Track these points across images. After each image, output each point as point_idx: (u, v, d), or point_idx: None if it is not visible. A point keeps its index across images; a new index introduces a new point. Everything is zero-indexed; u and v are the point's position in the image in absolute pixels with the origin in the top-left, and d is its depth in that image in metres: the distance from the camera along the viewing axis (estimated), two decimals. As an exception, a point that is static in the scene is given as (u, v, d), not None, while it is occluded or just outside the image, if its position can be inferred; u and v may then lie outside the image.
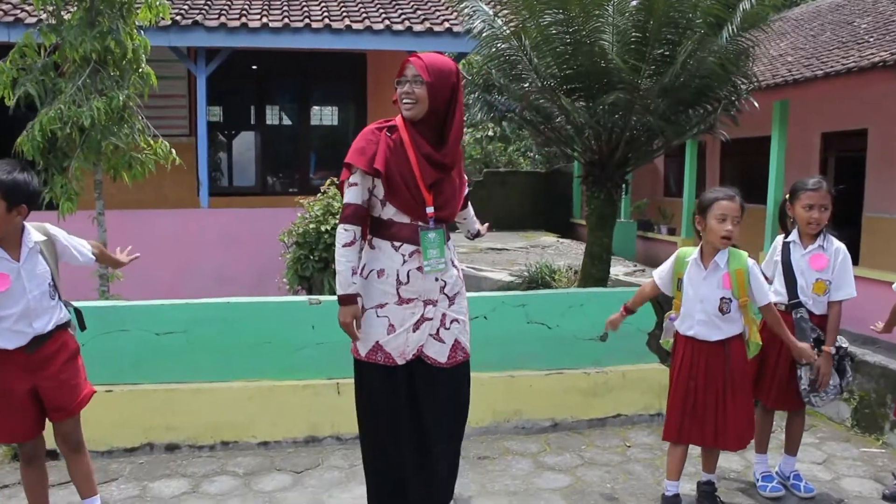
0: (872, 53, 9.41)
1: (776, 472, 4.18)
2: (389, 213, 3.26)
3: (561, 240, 16.29)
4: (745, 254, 3.65)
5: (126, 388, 4.68)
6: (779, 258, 4.00)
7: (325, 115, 12.46)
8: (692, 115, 6.44)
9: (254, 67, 11.50)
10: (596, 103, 6.03)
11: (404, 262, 3.25)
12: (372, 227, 3.35)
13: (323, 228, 6.49)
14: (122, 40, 6.54)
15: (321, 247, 6.46)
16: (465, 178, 3.56)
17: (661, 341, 3.99)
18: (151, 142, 6.99)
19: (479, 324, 4.93)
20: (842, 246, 3.96)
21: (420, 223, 3.26)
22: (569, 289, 5.78)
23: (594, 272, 6.59)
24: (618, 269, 11.36)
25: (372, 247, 3.33)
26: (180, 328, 4.73)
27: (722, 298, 3.58)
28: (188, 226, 9.28)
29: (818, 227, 3.88)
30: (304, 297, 4.89)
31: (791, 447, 4.15)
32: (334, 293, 3.43)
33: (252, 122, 12.05)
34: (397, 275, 3.25)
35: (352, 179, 3.24)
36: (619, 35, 5.90)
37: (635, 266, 12.76)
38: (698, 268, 3.62)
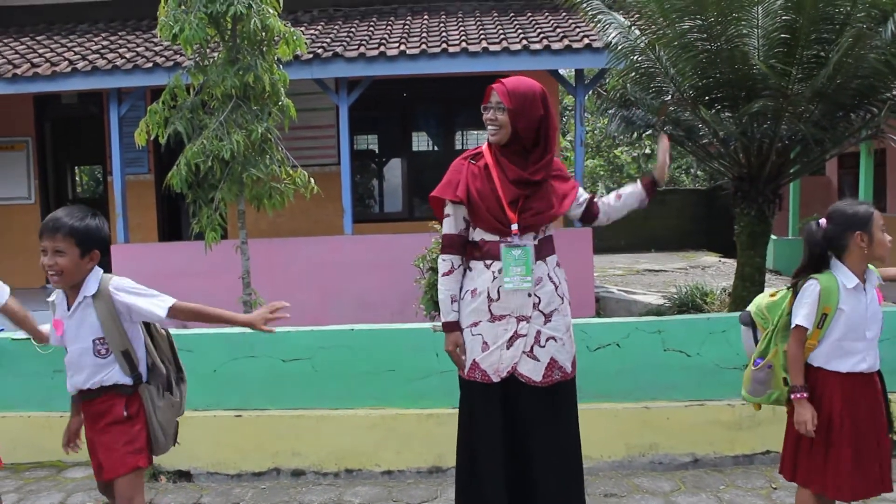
0: None
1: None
2: (480, 234, 3.29)
3: (723, 260, 15.51)
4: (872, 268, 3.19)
5: (255, 413, 4.74)
6: None
7: (469, 139, 12.45)
8: (854, 120, 5.86)
9: (404, 95, 11.68)
10: (740, 113, 5.60)
11: (494, 278, 3.23)
12: (469, 251, 3.36)
13: (455, 252, 6.39)
14: (261, 75, 6.76)
15: (454, 271, 6.36)
16: (572, 181, 3.45)
17: (753, 397, 3.37)
18: (291, 172, 7.17)
19: (612, 351, 4.66)
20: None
21: (504, 240, 3.22)
22: (710, 314, 5.35)
23: (746, 295, 6.10)
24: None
25: (469, 269, 3.35)
26: (306, 355, 4.74)
27: (881, 318, 3.14)
28: (331, 252, 9.47)
29: None
30: (427, 324, 4.79)
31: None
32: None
33: (399, 148, 12.23)
34: (488, 292, 3.24)
35: (446, 211, 3.34)
36: (764, 37, 5.47)
37: (803, 286, 11.85)
38: (859, 293, 3.12)
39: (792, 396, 3.10)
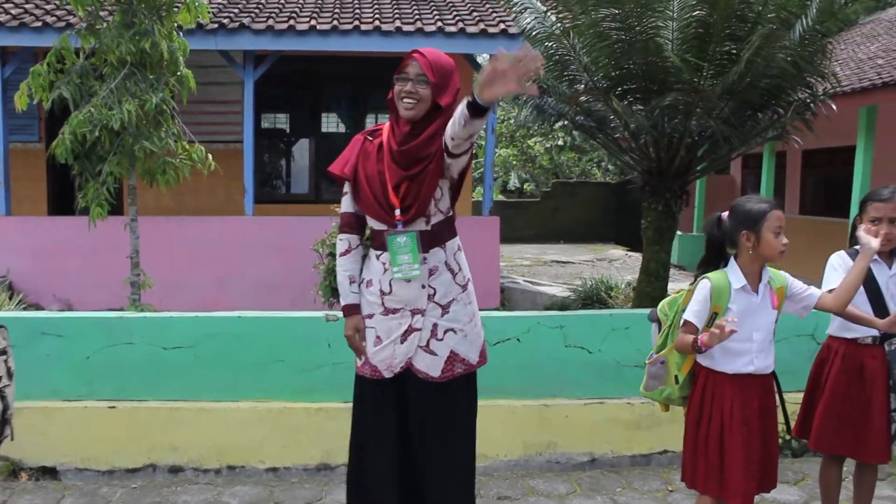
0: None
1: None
2: (370, 221, 3.09)
3: (630, 253, 15.69)
4: (779, 272, 3.10)
5: (131, 404, 4.38)
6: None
7: (381, 122, 12.19)
8: (761, 120, 5.85)
9: (314, 73, 11.30)
10: (652, 106, 5.51)
11: (385, 270, 3.03)
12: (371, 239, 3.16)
13: (357, 238, 6.12)
14: (158, 42, 6.32)
15: (355, 257, 6.09)
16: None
17: (647, 392, 3.26)
18: (188, 146, 6.76)
19: (512, 346, 4.50)
20: None
21: (388, 228, 3.00)
22: (613, 310, 5.27)
23: (650, 290, 6.06)
24: (684, 285, 10.72)
25: (367, 257, 3.15)
26: (188, 343, 4.41)
27: (774, 321, 3.04)
28: (230, 233, 9.07)
29: (889, 244, 3.28)
30: (319, 313, 4.52)
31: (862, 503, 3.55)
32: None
33: (309, 128, 11.85)
34: (380, 284, 3.04)
35: (344, 189, 3.15)
36: (678, 31, 5.38)
37: (705, 282, 12.06)
38: (748, 294, 3.04)
39: (700, 345, 2.89)
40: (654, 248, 6.00)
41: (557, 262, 14.72)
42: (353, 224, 3.12)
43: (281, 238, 8.93)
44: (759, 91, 5.50)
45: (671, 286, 5.86)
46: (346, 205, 3.12)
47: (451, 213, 3.10)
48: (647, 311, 4.88)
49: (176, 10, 6.67)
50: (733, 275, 3.00)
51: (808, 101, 5.80)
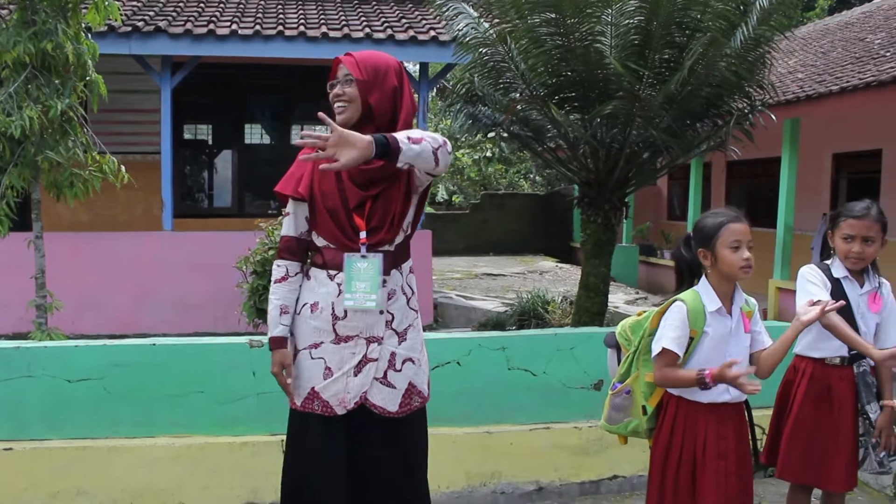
0: (892, 67, 8.76)
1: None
2: (324, 239, 2.76)
3: (560, 265, 15.64)
4: (749, 297, 2.88)
5: (31, 444, 3.93)
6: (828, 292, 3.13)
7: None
8: (700, 129, 5.73)
9: (233, 81, 10.86)
10: (592, 114, 5.32)
11: (339, 292, 2.69)
12: (315, 256, 2.84)
13: (284, 255, 5.75)
14: (63, 43, 5.85)
15: (281, 276, 5.72)
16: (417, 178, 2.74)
17: (610, 426, 3.02)
18: (98, 157, 6.29)
19: (452, 370, 4.21)
20: (886, 281, 3.24)
21: (348, 252, 2.69)
22: (557, 329, 5.05)
23: (589, 305, 5.86)
24: (618, 298, 10.66)
25: (308, 277, 2.81)
26: (96, 374, 3.97)
27: (748, 346, 2.83)
28: (148, 250, 8.55)
29: (862, 262, 3.13)
30: (242, 338, 4.15)
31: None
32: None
33: (232, 140, 11.38)
34: (332, 308, 2.70)
35: (287, 209, 2.84)
36: (618, 37, 5.21)
37: (637, 293, 12.08)
38: (722, 316, 2.78)
39: (708, 381, 2.64)
40: (594, 261, 5.81)
41: (489, 274, 14.54)
42: (294, 250, 2.80)
43: (202, 254, 8.46)
44: (700, 100, 5.37)
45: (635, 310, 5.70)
46: (288, 228, 2.81)
47: (410, 232, 2.83)
48: (592, 329, 4.68)
49: (84, 9, 6.21)
50: (707, 296, 2.76)
51: (747, 111, 5.70)
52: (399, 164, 2.47)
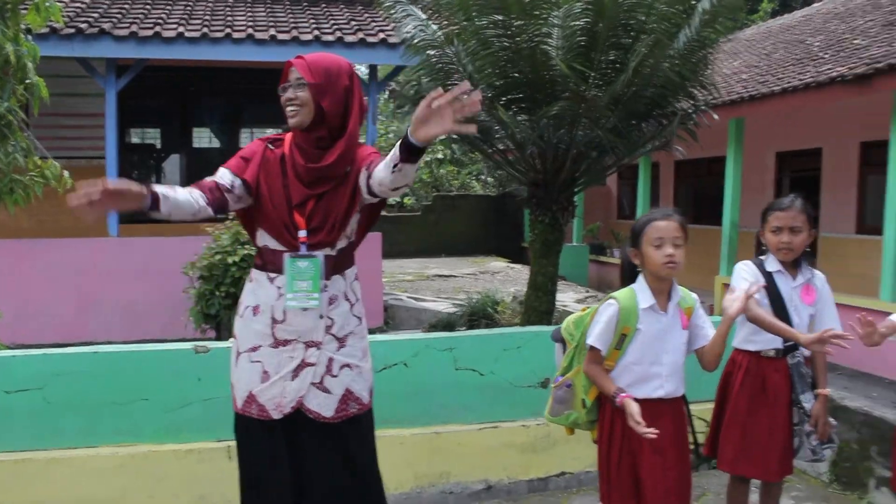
0: (830, 69, 8.98)
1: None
2: (265, 239, 2.77)
3: (511, 265, 15.70)
4: (689, 292, 2.94)
5: (-33, 457, 3.83)
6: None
7: (257, 137, 11.74)
8: (646, 129, 5.81)
9: (180, 84, 10.71)
10: (539, 115, 5.36)
11: (279, 295, 2.69)
12: (256, 258, 2.86)
13: (231, 260, 5.71)
14: (1, 44, 5.70)
15: (228, 280, 5.67)
16: (369, 166, 2.63)
17: (553, 417, 3.07)
18: (39, 162, 6.14)
19: (399, 372, 4.23)
20: (819, 273, 3.34)
21: (288, 249, 2.70)
22: (504, 329, 5.08)
23: (538, 305, 5.90)
24: (568, 296, 10.74)
25: (251, 280, 2.82)
26: (36, 384, 3.89)
27: (685, 343, 2.88)
28: (92, 256, 8.37)
29: (791, 252, 3.22)
30: (187, 344, 4.10)
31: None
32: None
33: (179, 144, 11.23)
34: (272, 311, 2.70)
35: (230, 183, 2.71)
36: (565, 38, 5.25)
37: (587, 292, 12.18)
38: (657, 314, 2.85)
39: (617, 403, 2.72)
40: (542, 261, 5.85)
41: (440, 276, 14.54)
42: (210, 187, 2.63)
43: (149, 260, 8.32)
44: (645, 100, 5.45)
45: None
46: (218, 175, 2.70)
47: (353, 239, 2.83)
48: (539, 328, 4.73)
49: (24, 10, 6.06)
50: (642, 294, 2.82)
51: (691, 111, 5.80)
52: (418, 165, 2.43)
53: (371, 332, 3.37)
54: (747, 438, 3.24)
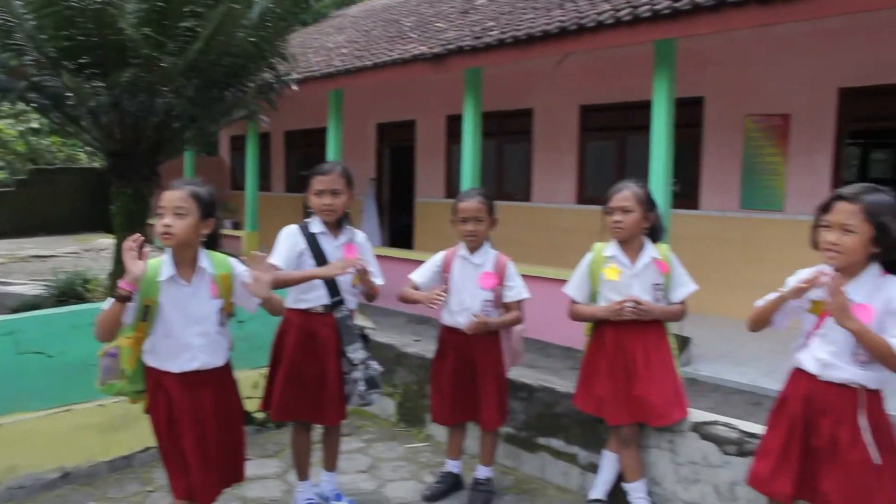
0: (414, 47, 9.74)
1: (318, 495, 3.73)
2: None
3: (120, 241, 14.82)
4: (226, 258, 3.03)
5: None
6: (304, 248, 3.45)
7: None
8: (227, 99, 5.83)
9: None
10: (110, 82, 5.11)
11: None
12: None
13: None
14: None
15: None
16: None
17: (102, 388, 2.94)
18: None
19: (-52, 362, 3.79)
20: (359, 231, 3.63)
21: None
22: (73, 307, 4.79)
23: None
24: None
25: None
26: None
27: (217, 312, 2.95)
28: None
29: (332, 214, 3.46)
30: None
31: (331, 462, 3.74)
32: None
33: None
34: None
35: None
36: (138, 3, 5.05)
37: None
38: (179, 285, 2.83)
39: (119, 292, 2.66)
40: (126, 234, 5.55)
41: (37, 256, 13.28)
42: None
43: None
44: (223, 70, 5.45)
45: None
46: None
47: None
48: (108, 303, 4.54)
49: None
50: (166, 265, 2.82)
51: (273, 82, 5.93)
52: None
53: None
54: (301, 387, 3.45)
